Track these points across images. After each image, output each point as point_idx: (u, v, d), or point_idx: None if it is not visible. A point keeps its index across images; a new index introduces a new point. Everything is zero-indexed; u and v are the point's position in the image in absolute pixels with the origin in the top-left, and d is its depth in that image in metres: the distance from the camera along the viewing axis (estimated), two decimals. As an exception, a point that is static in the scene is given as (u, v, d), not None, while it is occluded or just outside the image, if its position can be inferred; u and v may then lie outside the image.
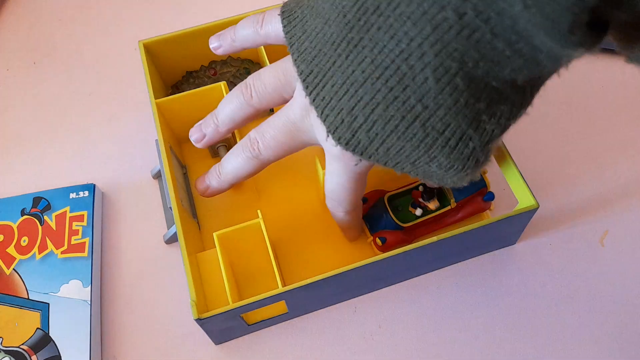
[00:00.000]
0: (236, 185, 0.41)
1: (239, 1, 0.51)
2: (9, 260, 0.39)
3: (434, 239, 0.33)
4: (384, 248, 0.38)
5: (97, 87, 0.50)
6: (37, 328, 0.37)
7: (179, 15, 0.54)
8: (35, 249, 0.40)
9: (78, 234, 0.40)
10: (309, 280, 0.32)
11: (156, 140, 0.38)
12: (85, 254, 0.39)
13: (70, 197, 0.41)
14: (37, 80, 0.50)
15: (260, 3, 0.44)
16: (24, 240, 0.40)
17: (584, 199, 0.42)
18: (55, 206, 0.41)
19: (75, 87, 0.50)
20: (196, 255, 0.37)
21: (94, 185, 0.42)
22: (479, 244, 0.38)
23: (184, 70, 0.46)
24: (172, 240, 0.41)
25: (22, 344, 0.37)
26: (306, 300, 0.36)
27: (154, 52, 0.43)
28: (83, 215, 0.41)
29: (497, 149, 0.36)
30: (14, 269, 0.39)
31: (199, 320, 0.32)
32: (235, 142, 0.40)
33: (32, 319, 0.38)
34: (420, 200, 0.38)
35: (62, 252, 0.40)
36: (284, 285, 0.33)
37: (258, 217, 0.35)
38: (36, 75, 0.51)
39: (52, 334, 0.37)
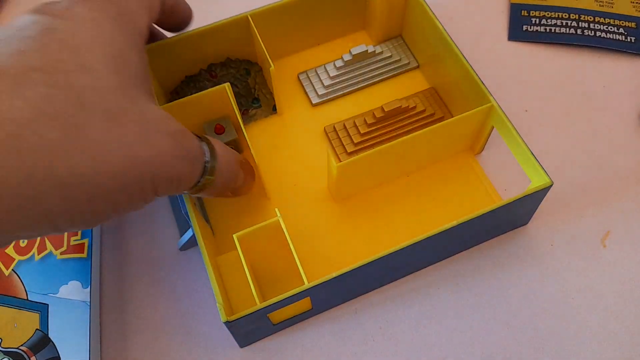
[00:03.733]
0: (259, 173, 0.41)
1: (233, 4, 0.48)
2: (8, 261, 0.39)
3: (451, 224, 0.34)
4: None
5: None
6: (37, 329, 0.37)
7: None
8: (35, 250, 0.39)
9: (77, 235, 0.39)
10: (334, 274, 0.33)
11: None
12: (85, 255, 0.39)
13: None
14: None
15: (254, 3, 0.43)
16: (23, 241, 0.39)
17: (585, 199, 0.42)
18: (56, 208, 0.40)
19: None
20: (216, 258, 0.37)
21: None
22: (490, 228, 0.39)
23: (182, 75, 0.45)
24: (187, 246, 0.40)
25: (22, 345, 0.37)
26: (330, 294, 0.36)
27: (150, 59, 0.41)
28: (83, 216, 0.39)
29: (505, 128, 0.37)
30: (13, 269, 0.39)
31: (227, 323, 0.32)
32: (241, 144, 0.39)
33: (32, 319, 0.37)
34: None
35: (62, 253, 0.39)
36: (308, 281, 0.33)
37: (277, 215, 0.35)
38: None
39: (52, 335, 0.37)
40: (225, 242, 0.40)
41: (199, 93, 0.39)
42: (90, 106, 0.23)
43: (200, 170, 0.30)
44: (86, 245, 0.39)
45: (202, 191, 0.32)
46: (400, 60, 0.47)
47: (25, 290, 0.38)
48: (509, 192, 0.41)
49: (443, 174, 0.42)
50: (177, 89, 0.45)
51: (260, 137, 0.45)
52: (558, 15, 0.50)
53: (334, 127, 0.44)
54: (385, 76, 0.47)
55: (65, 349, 0.36)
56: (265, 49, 0.41)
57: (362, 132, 0.43)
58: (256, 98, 0.45)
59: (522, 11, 0.51)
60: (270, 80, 0.43)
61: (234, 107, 0.40)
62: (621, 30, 0.49)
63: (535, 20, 0.50)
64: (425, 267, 0.40)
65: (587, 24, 0.49)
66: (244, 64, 0.46)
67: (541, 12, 0.50)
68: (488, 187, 0.42)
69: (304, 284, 0.33)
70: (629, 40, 0.48)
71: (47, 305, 0.37)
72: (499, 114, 0.37)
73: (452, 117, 0.44)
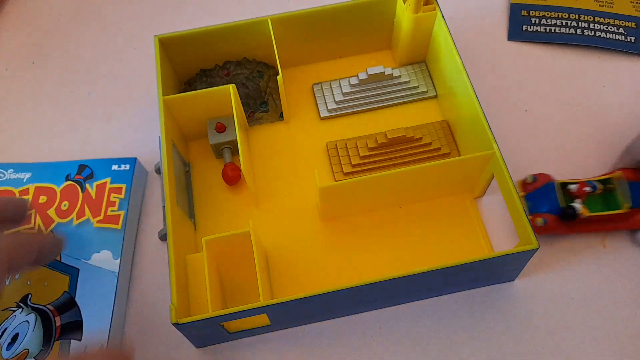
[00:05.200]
0: (236, 187, 0.42)
1: (252, 3, 0.50)
2: (48, 221, 0.40)
3: (422, 269, 0.32)
4: (542, 229, 0.38)
5: (96, 86, 0.50)
6: (65, 291, 0.38)
7: (181, 16, 0.54)
8: (74, 215, 0.41)
9: (115, 206, 0.41)
10: (290, 297, 0.32)
11: (159, 136, 0.38)
12: (119, 226, 0.40)
13: (112, 168, 0.42)
14: (36, 80, 0.51)
15: (275, 8, 0.44)
16: (65, 205, 0.41)
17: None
18: (97, 176, 0.42)
19: (74, 86, 0.50)
20: (185, 256, 0.37)
21: (136, 160, 0.43)
22: (476, 277, 0.37)
23: (198, 68, 0.46)
24: (165, 237, 0.41)
25: (49, 304, 0.38)
26: (289, 315, 0.36)
27: (169, 47, 0.42)
28: (122, 188, 0.42)
29: (503, 179, 0.36)
30: (51, 230, 0.40)
31: (176, 325, 0.32)
32: (237, 146, 0.39)
33: (61, 281, 0.38)
34: (585, 190, 0.38)
35: (98, 222, 0.40)
36: (268, 298, 0.33)
37: (249, 225, 0.35)
38: (35, 75, 0.51)
39: (78, 298, 0.38)
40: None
41: (203, 90, 0.40)
42: None
43: None
44: (121, 217, 0.41)
45: None
46: (418, 87, 0.46)
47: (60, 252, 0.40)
48: (503, 242, 0.40)
49: (437, 212, 0.41)
50: (191, 80, 0.46)
51: (262, 141, 0.45)
52: (558, 15, 0.50)
53: (336, 145, 0.44)
54: (400, 101, 0.46)
55: (88, 314, 0.38)
56: (277, 55, 0.41)
57: (361, 154, 0.42)
58: (265, 102, 0.46)
59: (522, 11, 0.50)
60: (279, 87, 0.43)
61: (234, 108, 0.40)
62: (621, 30, 0.48)
63: (535, 20, 0.50)
64: (394, 305, 0.39)
65: (587, 24, 0.49)
66: (259, 65, 0.46)
67: (541, 12, 0.50)
68: (480, 233, 0.40)
69: (260, 299, 0.32)
70: (629, 40, 0.48)
71: (78, 269, 0.39)
72: (499, 163, 0.36)
73: (460, 154, 0.43)
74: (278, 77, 0.41)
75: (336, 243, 0.40)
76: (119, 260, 0.39)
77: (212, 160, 0.44)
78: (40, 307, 0.38)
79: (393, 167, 0.42)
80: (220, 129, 0.42)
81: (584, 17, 0.50)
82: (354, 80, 0.46)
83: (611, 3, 0.50)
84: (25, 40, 0.54)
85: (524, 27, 0.50)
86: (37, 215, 0.41)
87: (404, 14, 0.43)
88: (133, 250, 0.42)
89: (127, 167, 0.43)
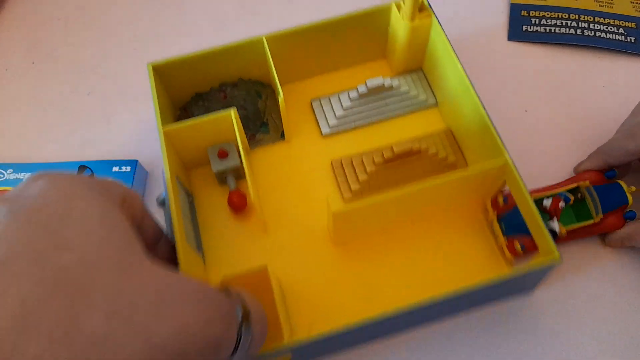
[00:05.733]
0: (242, 213, 0.40)
1: (248, 24, 0.50)
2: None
3: (442, 295, 0.31)
4: (522, 255, 0.37)
5: (96, 87, 0.50)
6: None
7: (182, 16, 0.53)
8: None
9: None
10: (317, 335, 0.31)
11: (162, 170, 0.37)
12: None
13: (113, 170, 0.42)
14: (36, 80, 0.50)
15: (269, 26, 0.43)
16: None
17: None
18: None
19: (74, 86, 0.50)
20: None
21: (137, 162, 0.43)
22: (494, 294, 0.37)
23: (193, 91, 0.44)
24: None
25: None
26: (312, 349, 0.34)
27: (162, 74, 0.41)
28: (122, 189, 0.42)
29: (517, 189, 0.35)
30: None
31: None
32: (244, 171, 0.39)
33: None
34: (560, 206, 0.37)
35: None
36: (289, 334, 0.32)
37: (266, 266, 0.33)
38: (35, 75, 0.51)
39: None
40: (215, 273, 0.39)
41: (204, 117, 0.38)
42: (86, 283, 0.19)
43: (235, 326, 0.25)
44: None
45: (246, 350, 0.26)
46: (418, 96, 0.45)
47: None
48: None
49: (449, 225, 0.40)
50: (187, 105, 0.44)
51: (265, 163, 0.43)
52: (558, 15, 0.50)
53: (341, 162, 0.43)
54: (401, 112, 0.45)
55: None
56: (277, 76, 0.40)
57: (368, 170, 0.41)
58: (265, 123, 0.44)
59: (522, 11, 0.51)
60: (280, 108, 0.41)
61: (238, 135, 0.38)
62: (621, 30, 0.49)
63: (535, 20, 0.50)
64: (418, 326, 0.38)
65: (587, 24, 0.49)
66: (256, 85, 0.45)
67: (541, 12, 0.50)
68: (496, 245, 0.39)
69: (283, 338, 0.31)
70: (628, 40, 0.48)
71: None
72: (512, 172, 0.35)
73: (466, 162, 0.42)
74: (280, 98, 0.40)
75: (351, 267, 0.39)
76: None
77: (215, 187, 0.42)
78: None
79: (401, 180, 0.41)
80: (223, 155, 0.41)
81: (584, 17, 0.50)
82: (353, 94, 0.45)
83: (611, 3, 0.51)
84: (25, 40, 0.54)
85: (524, 27, 0.50)
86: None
87: (400, 23, 0.42)
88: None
89: (128, 168, 0.42)
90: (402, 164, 0.42)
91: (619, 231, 0.38)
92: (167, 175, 0.36)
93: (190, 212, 0.41)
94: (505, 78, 0.48)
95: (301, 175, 0.43)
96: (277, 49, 0.42)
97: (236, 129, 0.38)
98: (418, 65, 0.47)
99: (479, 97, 0.38)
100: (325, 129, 0.45)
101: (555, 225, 0.37)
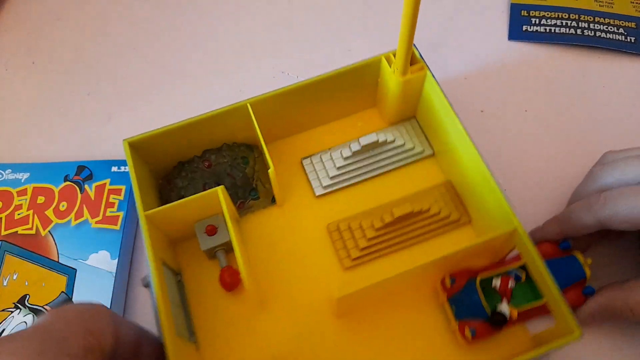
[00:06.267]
0: (236, 290, 0.38)
1: (221, 95, 0.49)
2: (46, 222, 0.41)
3: None
4: (473, 340, 0.34)
5: (96, 87, 0.49)
6: (62, 291, 0.38)
7: (182, 17, 0.53)
8: (72, 215, 0.41)
9: (114, 207, 0.41)
10: None
11: (146, 256, 0.34)
12: (118, 227, 0.40)
13: (112, 170, 0.43)
14: (36, 80, 0.50)
15: (239, 96, 0.42)
16: (63, 205, 0.41)
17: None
18: (96, 177, 0.43)
19: (74, 86, 0.50)
20: None
21: None
22: None
23: (175, 161, 0.41)
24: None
25: (46, 305, 0.38)
26: None
27: (142, 146, 0.38)
28: (121, 189, 0.42)
29: (529, 256, 0.33)
30: (49, 231, 0.40)
31: None
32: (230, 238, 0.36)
33: (59, 281, 0.39)
34: (509, 287, 0.34)
35: (96, 222, 0.41)
36: None
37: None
38: (35, 75, 0.50)
39: (75, 299, 0.38)
40: (209, 355, 0.36)
41: (191, 197, 0.36)
42: None
43: None
44: (120, 218, 0.40)
45: None
46: (413, 147, 0.42)
47: (58, 253, 0.39)
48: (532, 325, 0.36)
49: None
50: (169, 175, 0.41)
51: (256, 231, 0.41)
52: (558, 15, 0.50)
53: (338, 227, 0.40)
54: (397, 165, 0.42)
55: (86, 315, 0.37)
56: (265, 145, 0.37)
57: (368, 236, 0.39)
58: (254, 188, 0.41)
59: (522, 11, 0.51)
60: (270, 178, 0.38)
61: (225, 212, 0.36)
62: (621, 30, 0.48)
63: (535, 20, 0.50)
64: None
65: (587, 24, 0.49)
66: (242, 148, 0.42)
67: (541, 12, 0.50)
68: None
69: None
70: (629, 40, 0.48)
71: (76, 270, 0.39)
72: (523, 240, 0.33)
73: (469, 217, 0.40)
74: (269, 171, 0.37)
75: (355, 340, 0.37)
76: (116, 260, 0.39)
77: (205, 262, 0.40)
78: (38, 307, 0.38)
79: (402, 241, 0.39)
80: (211, 232, 0.38)
81: (584, 17, 0.50)
82: (346, 152, 0.42)
83: (611, 3, 0.51)
84: (25, 40, 0.53)
85: (524, 27, 0.50)
86: (35, 215, 0.41)
87: (391, 77, 0.39)
88: (131, 251, 0.41)
89: (127, 168, 0.42)
90: (404, 227, 0.39)
91: (585, 307, 0.34)
92: (152, 264, 0.33)
93: (179, 293, 0.38)
94: (505, 78, 0.48)
95: (296, 241, 0.40)
96: (262, 111, 0.39)
97: (224, 207, 0.36)
98: (411, 114, 0.44)
99: (478, 152, 0.35)
100: (318, 190, 0.42)
101: (505, 307, 0.33)
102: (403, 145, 0.42)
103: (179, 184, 0.40)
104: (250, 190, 0.41)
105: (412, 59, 0.39)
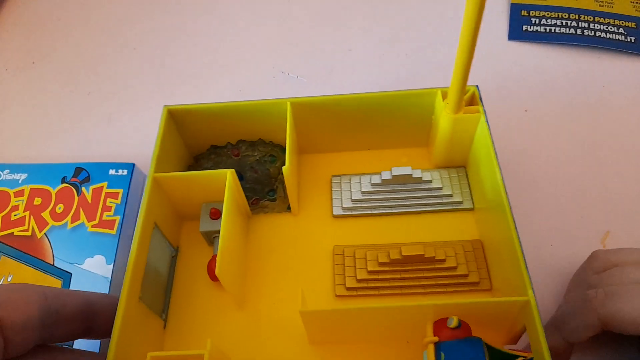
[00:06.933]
0: (223, 281, 0.34)
1: (221, 95, 0.49)
2: (43, 224, 0.41)
3: None
4: None
5: (96, 87, 0.50)
6: None
7: (182, 18, 0.53)
8: (69, 218, 0.41)
9: (110, 211, 0.41)
10: None
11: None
12: (114, 231, 0.40)
13: (110, 173, 0.42)
14: (36, 80, 0.51)
15: (239, 95, 0.42)
16: (60, 208, 0.41)
17: (586, 199, 0.41)
18: (94, 179, 0.42)
19: (74, 86, 0.50)
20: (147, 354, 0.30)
21: (134, 165, 0.43)
22: None
23: (209, 143, 0.42)
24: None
25: (41, 308, 0.38)
26: None
27: (182, 120, 0.39)
28: (118, 193, 0.41)
29: (534, 331, 0.28)
30: (45, 233, 0.40)
31: None
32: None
33: (54, 285, 0.38)
34: None
35: (93, 226, 0.40)
36: None
37: (207, 346, 0.28)
38: (35, 75, 0.51)
39: (70, 303, 0.38)
40: (173, 341, 0.35)
41: (198, 172, 0.35)
42: None
43: None
44: (117, 222, 0.40)
45: None
46: (452, 195, 0.39)
47: (53, 256, 0.39)
48: None
49: None
50: (200, 156, 0.42)
51: (263, 232, 0.39)
52: (558, 15, 0.49)
53: (343, 251, 0.37)
54: (428, 209, 0.39)
55: (80, 321, 0.37)
56: (289, 141, 0.36)
57: (369, 269, 0.36)
58: (273, 190, 0.41)
59: (522, 11, 0.51)
60: (285, 178, 0.37)
61: (227, 196, 0.34)
62: (621, 30, 0.48)
63: (535, 20, 0.50)
64: None
65: (587, 24, 0.49)
66: (275, 150, 0.41)
67: (541, 12, 0.50)
68: None
69: None
70: (629, 40, 0.47)
71: (71, 274, 0.38)
72: (532, 314, 0.28)
73: (491, 285, 0.35)
74: (284, 167, 0.35)
75: None
76: (112, 265, 0.39)
77: (204, 247, 0.39)
78: (32, 311, 0.38)
79: (406, 289, 0.36)
80: (215, 215, 0.37)
81: (584, 17, 0.49)
82: (375, 179, 0.39)
83: (611, 3, 0.50)
84: (25, 40, 0.54)
85: (524, 27, 0.50)
86: (32, 217, 0.41)
87: (442, 112, 0.36)
88: (127, 256, 0.41)
89: (125, 172, 0.42)
90: (411, 272, 0.36)
91: None
92: (140, 219, 0.33)
93: (170, 268, 0.37)
94: (505, 78, 0.47)
95: (297, 254, 0.38)
96: (302, 116, 0.38)
97: (226, 191, 0.34)
98: (462, 162, 0.41)
99: (512, 212, 0.31)
100: (337, 210, 0.40)
101: None
102: (441, 189, 0.39)
103: (204, 164, 0.41)
104: (269, 191, 0.40)
105: (472, 101, 0.37)
